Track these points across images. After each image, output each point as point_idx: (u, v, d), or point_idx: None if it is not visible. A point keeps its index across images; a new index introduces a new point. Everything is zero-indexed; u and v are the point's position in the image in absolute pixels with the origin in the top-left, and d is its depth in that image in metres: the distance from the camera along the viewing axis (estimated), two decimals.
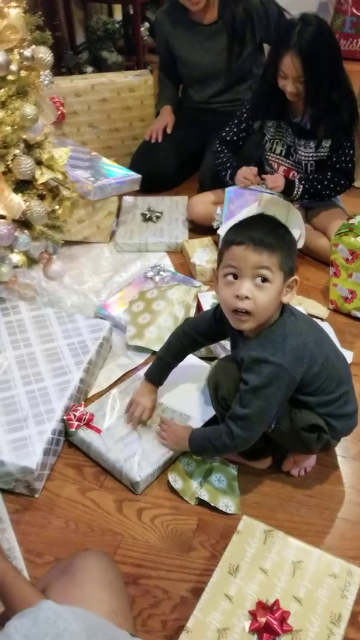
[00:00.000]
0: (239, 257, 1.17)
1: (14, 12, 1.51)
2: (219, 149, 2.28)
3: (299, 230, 2.04)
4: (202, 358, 1.73)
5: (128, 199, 2.47)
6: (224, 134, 2.28)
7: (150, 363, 1.56)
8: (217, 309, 1.43)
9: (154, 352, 1.77)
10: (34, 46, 1.55)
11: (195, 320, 1.51)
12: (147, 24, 4.15)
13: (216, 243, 2.22)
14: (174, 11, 2.44)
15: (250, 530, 1.28)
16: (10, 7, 1.50)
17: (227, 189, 2.13)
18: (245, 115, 2.21)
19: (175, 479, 1.43)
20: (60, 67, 3.40)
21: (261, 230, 1.19)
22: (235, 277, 1.19)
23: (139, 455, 1.45)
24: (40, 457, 1.39)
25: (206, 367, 1.67)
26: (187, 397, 1.61)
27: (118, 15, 4.25)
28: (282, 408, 1.29)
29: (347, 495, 1.44)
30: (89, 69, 3.53)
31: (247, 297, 1.17)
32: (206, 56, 2.44)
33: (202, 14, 2.39)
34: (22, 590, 0.87)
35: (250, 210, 2.03)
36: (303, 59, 1.87)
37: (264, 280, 1.18)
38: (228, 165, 2.23)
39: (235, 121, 2.24)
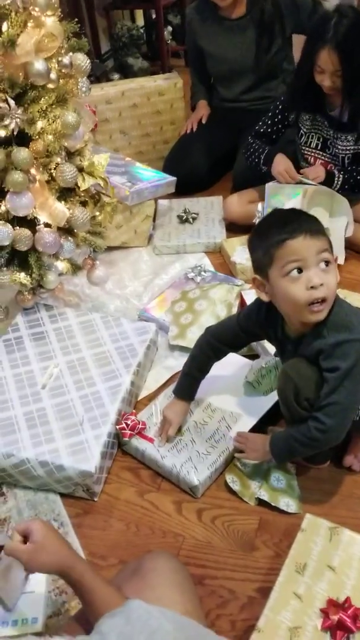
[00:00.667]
0: (302, 248, 1.15)
1: (51, 20, 1.52)
2: (252, 141, 2.26)
3: (346, 218, 2.02)
4: (244, 356, 1.72)
5: (163, 202, 2.47)
6: (257, 127, 2.25)
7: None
8: (239, 316, 1.42)
9: None
10: (71, 53, 1.57)
11: (217, 330, 1.48)
12: (170, 28, 4.18)
13: None
14: (202, 7, 2.45)
15: (314, 528, 1.26)
16: (47, 15, 1.51)
17: (267, 185, 2.11)
18: (280, 107, 2.18)
19: (233, 480, 1.42)
20: (89, 76, 3.42)
21: (305, 219, 1.20)
22: (300, 270, 1.17)
23: (194, 459, 1.44)
24: (98, 460, 1.39)
25: (248, 363, 1.66)
26: (234, 396, 1.60)
27: (140, 21, 4.28)
28: None
29: None
30: (116, 76, 3.56)
31: (321, 285, 1.16)
32: (235, 51, 2.43)
33: (230, 9, 2.39)
34: (103, 591, 0.87)
35: (295, 203, 2.02)
36: (340, 53, 1.83)
37: (327, 263, 1.17)
38: (261, 150, 2.21)
39: (270, 114, 2.22)
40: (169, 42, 4.10)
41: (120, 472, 1.50)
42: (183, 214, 2.39)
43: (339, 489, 1.42)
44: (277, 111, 2.20)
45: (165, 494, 1.44)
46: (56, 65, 1.53)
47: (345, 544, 1.23)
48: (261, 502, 1.38)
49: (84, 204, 1.72)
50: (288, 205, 2.04)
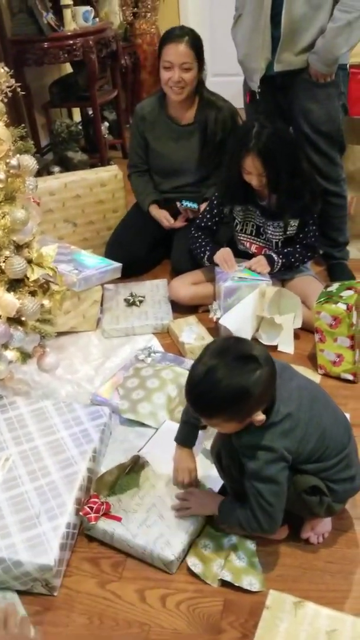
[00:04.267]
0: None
1: None
2: (195, 235, 2.41)
3: (293, 314, 2.15)
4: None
5: (110, 287, 2.54)
6: (198, 221, 2.42)
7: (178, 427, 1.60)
8: None
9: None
10: (19, 155, 1.65)
11: None
12: (106, 124, 4.41)
13: (200, 320, 2.29)
14: (154, 109, 2.59)
15: (279, 604, 1.27)
16: None
17: (223, 285, 2.20)
18: (215, 202, 2.36)
19: (194, 564, 1.42)
20: None
21: (193, 403, 1.28)
22: None
23: (167, 534, 1.44)
24: (57, 552, 1.37)
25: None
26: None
27: (77, 117, 4.51)
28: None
29: None
30: (56, 168, 3.69)
31: None
32: (179, 153, 2.58)
33: (181, 113, 2.54)
34: None
35: (248, 300, 2.16)
36: (263, 158, 2.05)
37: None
38: (206, 248, 2.35)
39: (208, 209, 2.39)
40: (106, 136, 4.32)
41: (80, 564, 1.47)
42: (130, 297, 2.46)
43: (299, 562, 1.43)
44: (213, 205, 2.37)
45: (128, 582, 1.42)
46: (4, 167, 1.61)
47: (311, 618, 1.25)
48: (224, 583, 1.38)
49: (33, 293, 1.76)
50: (242, 302, 2.17)
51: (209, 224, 2.40)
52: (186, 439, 1.57)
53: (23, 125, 1.66)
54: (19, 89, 1.61)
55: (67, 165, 3.76)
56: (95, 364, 2.17)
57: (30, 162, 1.65)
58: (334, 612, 1.25)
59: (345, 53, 2.15)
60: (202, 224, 2.40)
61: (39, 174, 3.48)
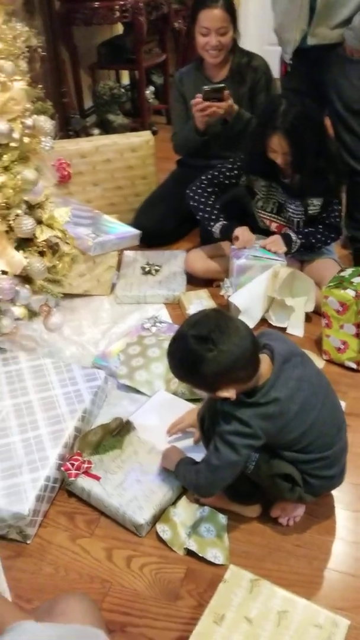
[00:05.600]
0: None
1: (17, 85, 1.63)
2: (207, 190, 2.31)
3: (305, 297, 2.14)
4: (189, 400, 1.81)
5: (129, 253, 2.56)
6: (216, 173, 2.32)
7: None
8: None
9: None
10: (34, 116, 1.67)
11: None
12: (152, 88, 4.37)
13: (213, 296, 2.29)
14: (191, 70, 2.61)
15: (236, 579, 1.29)
16: (14, 80, 1.62)
17: (236, 263, 2.18)
18: (238, 164, 2.28)
19: (164, 530, 1.45)
20: (68, 131, 3.57)
21: (170, 365, 1.34)
22: None
23: (140, 499, 1.48)
24: (32, 503, 1.42)
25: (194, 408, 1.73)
26: (179, 439, 1.67)
27: (126, 79, 4.48)
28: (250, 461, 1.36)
29: (336, 546, 1.44)
30: (96, 131, 3.70)
31: None
32: None
33: (216, 70, 2.54)
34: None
35: (260, 280, 2.14)
36: (289, 138, 2.00)
37: None
38: (218, 218, 2.29)
39: (229, 166, 2.30)
40: (151, 100, 4.29)
41: (57, 517, 1.53)
42: (146, 266, 2.47)
43: (267, 541, 1.45)
44: (235, 167, 2.28)
45: (98, 539, 1.47)
46: (20, 126, 1.63)
47: (265, 597, 1.27)
48: (190, 552, 1.42)
49: (42, 253, 1.80)
50: (254, 281, 2.16)
51: (225, 182, 2.31)
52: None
53: (41, 86, 1.67)
54: (40, 49, 1.62)
55: (107, 128, 3.76)
56: (102, 328, 2.21)
57: (45, 123, 1.66)
58: (289, 594, 1.26)
59: None
60: (216, 180, 2.31)
61: (77, 135, 3.54)
